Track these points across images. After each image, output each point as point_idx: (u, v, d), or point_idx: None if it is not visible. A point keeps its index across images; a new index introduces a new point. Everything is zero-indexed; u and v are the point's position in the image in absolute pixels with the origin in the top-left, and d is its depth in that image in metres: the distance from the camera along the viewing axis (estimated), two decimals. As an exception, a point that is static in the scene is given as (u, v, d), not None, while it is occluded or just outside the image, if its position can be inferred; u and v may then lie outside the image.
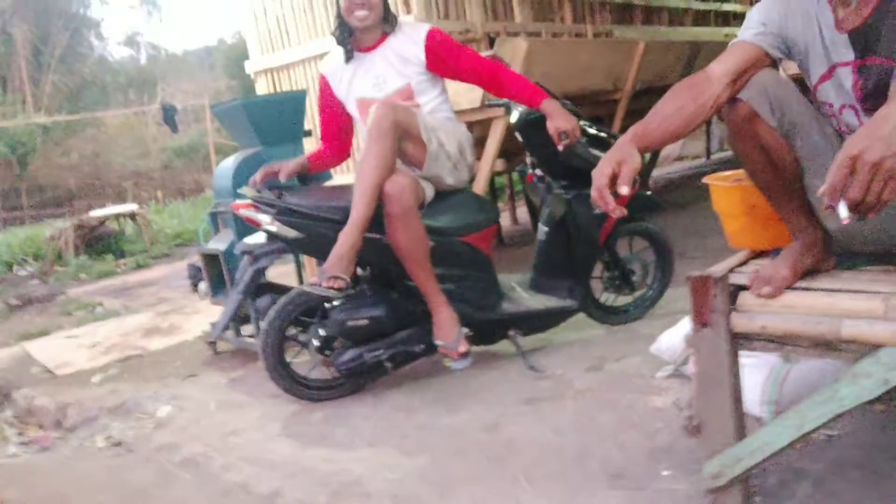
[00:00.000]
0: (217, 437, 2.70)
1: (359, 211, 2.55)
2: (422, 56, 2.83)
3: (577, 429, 2.24)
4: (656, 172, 9.65)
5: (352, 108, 3.00)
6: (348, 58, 2.91)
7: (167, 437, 2.82)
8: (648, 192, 3.32)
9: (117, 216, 10.44)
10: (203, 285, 4.13)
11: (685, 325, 2.34)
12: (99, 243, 9.90)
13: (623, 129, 5.18)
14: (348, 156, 3.20)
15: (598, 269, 3.20)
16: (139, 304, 6.14)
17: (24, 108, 19.43)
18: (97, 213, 10.51)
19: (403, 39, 2.86)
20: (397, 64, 2.86)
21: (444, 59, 2.85)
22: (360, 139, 4.82)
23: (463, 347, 2.70)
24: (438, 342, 2.71)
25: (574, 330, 3.22)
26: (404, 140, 2.66)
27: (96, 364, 4.09)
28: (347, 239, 2.52)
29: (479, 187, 4.08)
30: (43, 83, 21.64)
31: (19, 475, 2.83)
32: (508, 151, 4.99)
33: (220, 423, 2.84)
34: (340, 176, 4.87)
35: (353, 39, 2.90)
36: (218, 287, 3.91)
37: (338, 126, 3.10)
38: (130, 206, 11.15)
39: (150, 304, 5.98)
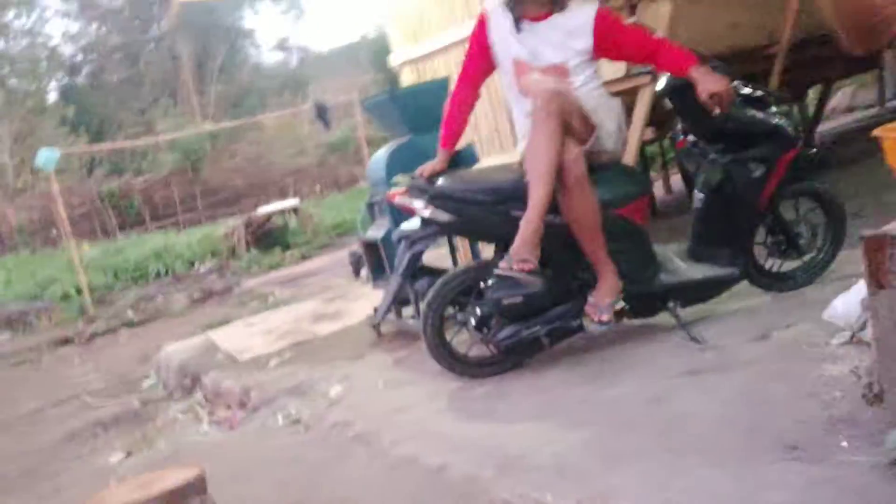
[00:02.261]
0: (385, 413, 2.84)
1: (538, 194, 2.58)
2: (589, 41, 2.82)
3: (746, 400, 2.16)
4: (823, 126, 8.99)
5: (506, 64, 2.97)
6: (518, 28, 2.88)
7: (340, 414, 3.00)
8: (814, 149, 3.13)
9: (281, 211, 11.13)
10: (364, 272, 4.34)
11: (861, 289, 2.19)
12: (267, 238, 10.62)
13: (782, 86, 4.88)
14: (473, 106, 3.16)
15: (761, 234, 3.06)
16: (306, 292, 6.53)
17: (192, 118, 21.03)
18: (263, 210, 11.28)
19: (570, 19, 2.84)
20: (557, 41, 2.84)
21: (611, 42, 2.84)
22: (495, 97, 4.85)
23: (606, 316, 2.69)
24: (591, 299, 2.72)
25: (737, 299, 3.10)
26: (569, 121, 2.66)
27: (272, 349, 4.41)
28: (529, 224, 2.58)
29: (630, 157, 3.99)
30: (208, 93, 23.32)
31: (211, 452, 3.12)
32: (657, 119, 4.84)
33: (387, 401, 2.98)
34: (487, 158, 4.92)
35: (520, 5, 2.89)
36: (378, 273, 4.09)
37: (479, 68, 3.06)
38: (292, 202, 11.85)
39: (317, 292, 6.34)
